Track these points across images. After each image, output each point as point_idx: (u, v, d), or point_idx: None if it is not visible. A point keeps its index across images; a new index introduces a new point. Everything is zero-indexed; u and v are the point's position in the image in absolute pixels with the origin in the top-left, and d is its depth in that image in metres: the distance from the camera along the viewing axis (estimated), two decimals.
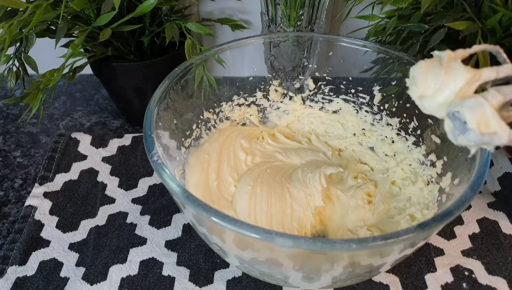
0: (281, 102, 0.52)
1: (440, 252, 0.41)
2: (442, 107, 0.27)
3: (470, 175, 0.32)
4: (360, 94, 0.48)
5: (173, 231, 0.44)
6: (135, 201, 0.47)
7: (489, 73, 0.27)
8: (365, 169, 0.48)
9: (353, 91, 0.49)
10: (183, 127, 0.44)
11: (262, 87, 0.51)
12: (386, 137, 0.48)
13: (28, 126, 0.60)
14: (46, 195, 0.47)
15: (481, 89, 0.28)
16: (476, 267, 0.40)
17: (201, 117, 0.47)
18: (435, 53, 0.27)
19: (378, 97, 0.47)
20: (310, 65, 0.52)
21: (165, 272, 0.40)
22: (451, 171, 0.38)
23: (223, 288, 0.39)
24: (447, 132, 0.27)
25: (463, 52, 0.27)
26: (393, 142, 0.47)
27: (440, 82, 0.26)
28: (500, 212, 0.45)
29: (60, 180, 0.49)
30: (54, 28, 0.45)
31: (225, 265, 0.41)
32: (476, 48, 0.28)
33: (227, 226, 0.27)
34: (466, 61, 0.29)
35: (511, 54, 0.30)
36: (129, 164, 0.52)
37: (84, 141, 0.54)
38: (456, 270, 0.40)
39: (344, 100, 0.50)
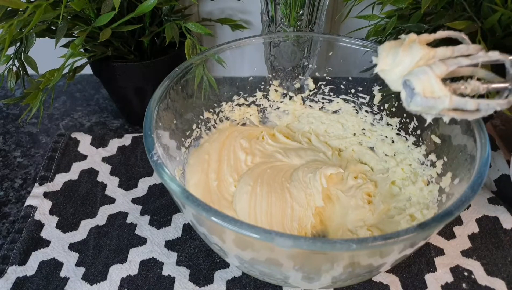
0: (281, 102, 0.52)
1: (440, 252, 0.41)
2: (400, 80, 0.30)
3: (470, 175, 0.32)
4: (360, 94, 0.48)
5: (173, 231, 0.44)
6: (135, 201, 0.47)
7: (444, 51, 0.30)
8: (365, 169, 0.48)
9: (353, 91, 0.49)
10: (183, 127, 0.44)
11: (262, 87, 0.51)
12: (386, 137, 0.48)
13: (28, 126, 0.60)
14: (46, 195, 0.47)
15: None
16: (476, 267, 0.40)
17: (201, 117, 0.47)
18: (402, 36, 0.31)
19: (378, 97, 0.47)
20: (310, 65, 0.52)
21: (165, 272, 0.40)
22: (451, 171, 0.38)
23: (223, 288, 0.39)
24: (403, 101, 0.30)
25: (427, 37, 0.31)
26: (393, 142, 0.47)
27: (398, 58, 0.30)
28: (501, 207, 0.45)
29: (60, 180, 0.49)
30: (54, 28, 0.45)
31: (225, 265, 0.41)
32: (440, 34, 0.31)
33: (227, 226, 0.27)
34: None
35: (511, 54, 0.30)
36: (129, 164, 0.52)
37: (84, 141, 0.54)
38: (456, 271, 0.40)
39: (344, 100, 0.50)
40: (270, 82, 0.51)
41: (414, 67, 0.29)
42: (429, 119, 0.31)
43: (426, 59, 0.29)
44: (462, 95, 0.30)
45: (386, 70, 0.31)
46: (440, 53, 0.30)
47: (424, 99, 0.28)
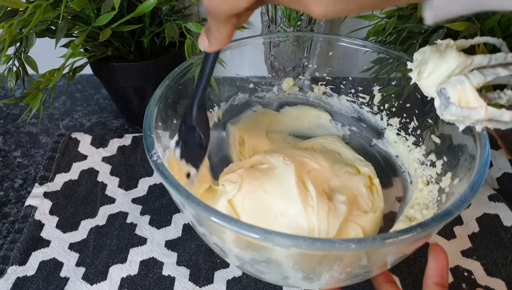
0: None
1: None
2: (434, 87, 0.30)
3: (470, 175, 0.32)
4: (360, 94, 0.48)
5: (173, 231, 0.44)
6: (135, 201, 0.47)
7: (481, 59, 0.29)
8: None
9: (353, 91, 0.49)
10: None
11: (262, 87, 0.51)
12: None
13: (28, 126, 0.60)
14: (46, 195, 0.47)
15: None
16: (476, 268, 0.40)
17: None
18: (438, 41, 0.30)
19: (378, 97, 0.47)
20: (310, 65, 0.52)
21: (165, 272, 0.40)
22: (451, 171, 0.38)
23: (223, 288, 0.39)
24: (436, 108, 0.30)
25: (463, 42, 0.30)
26: (393, 142, 0.47)
27: (434, 65, 0.29)
28: (501, 204, 0.45)
29: (60, 180, 0.49)
30: (54, 28, 0.45)
31: (225, 265, 0.41)
32: (477, 39, 0.31)
33: (227, 226, 0.27)
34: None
35: None
36: (129, 164, 0.52)
37: (84, 141, 0.54)
38: (456, 271, 0.40)
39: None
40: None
41: (450, 75, 0.29)
42: (461, 128, 0.30)
43: (462, 68, 0.29)
44: (497, 104, 0.29)
45: (422, 77, 0.30)
46: (477, 62, 0.29)
47: (459, 109, 0.28)
